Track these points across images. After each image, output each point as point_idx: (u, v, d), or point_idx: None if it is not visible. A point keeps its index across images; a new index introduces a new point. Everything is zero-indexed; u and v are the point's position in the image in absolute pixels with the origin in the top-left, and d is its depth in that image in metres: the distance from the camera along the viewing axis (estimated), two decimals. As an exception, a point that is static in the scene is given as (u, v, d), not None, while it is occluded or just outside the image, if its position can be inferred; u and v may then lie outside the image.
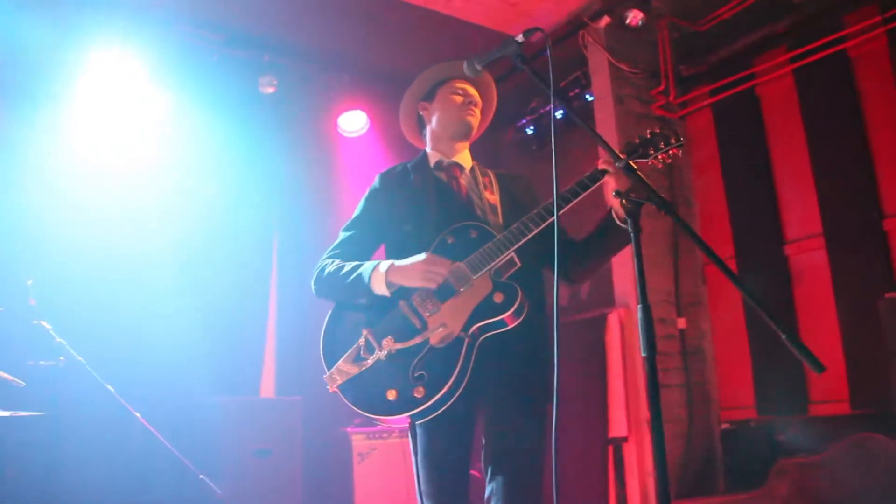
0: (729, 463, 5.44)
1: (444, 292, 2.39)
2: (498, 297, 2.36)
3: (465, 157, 2.82)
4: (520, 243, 2.40)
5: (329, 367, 2.38)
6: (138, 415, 4.04)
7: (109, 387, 4.09)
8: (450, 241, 2.50)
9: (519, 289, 2.36)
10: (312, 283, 2.60)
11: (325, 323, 2.53)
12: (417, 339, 2.34)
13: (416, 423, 2.34)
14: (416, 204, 2.65)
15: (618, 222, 2.40)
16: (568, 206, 2.40)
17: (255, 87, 6.01)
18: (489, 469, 2.45)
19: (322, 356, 2.44)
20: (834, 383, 4.98)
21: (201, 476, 4.02)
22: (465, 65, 2.46)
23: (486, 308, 2.36)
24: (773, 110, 5.53)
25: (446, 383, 2.25)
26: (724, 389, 5.70)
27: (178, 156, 5.60)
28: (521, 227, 2.41)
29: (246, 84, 6.00)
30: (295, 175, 6.32)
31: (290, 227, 6.26)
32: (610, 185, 2.38)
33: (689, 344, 5.71)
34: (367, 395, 2.32)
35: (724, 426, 5.60)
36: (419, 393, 2.26)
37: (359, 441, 5.36)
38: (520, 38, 2.33)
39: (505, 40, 2.37)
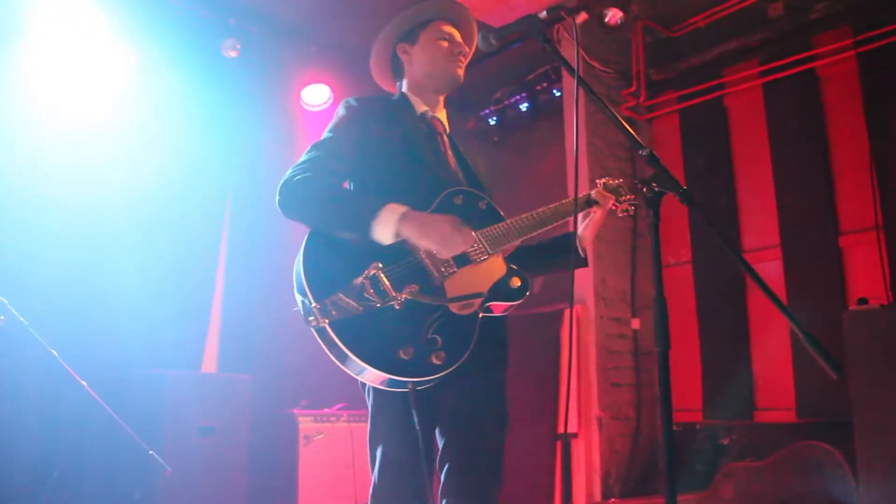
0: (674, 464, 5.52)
1: (460, 257, 2.17)
2: (515, 283, 2.24)
3: (444, 117, 2.57)
4: (537, 232, 2.34)
5: (318, 296, 1.96)
6: (84, 383, 3.78)
7: (53, 351, 3.81)
8: (457, 201, 2.28)
9: (528, 281, 2.27)
10: (279, 192, 2.15)
11: (307, 242, 2.09)
12: (439, 299, 2.08)
13: (417, 389, 2.02)
14: (409, 144, 2.35)
15: (580, 249, 2.46)
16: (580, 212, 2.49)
17: (218, 49, 5.74)
18: (450, 451, 2.24)
19: (304, 281, 1.99)
20: (781, 392, 5.12)
21: (151, 452, 3.80)
22: (479, 38, 2.36)
23: (501, 289, 2.22)
24: (740, 121, 5.63)
25: (462, 356, 2.05)
26: (674, 391, 5.77)
27: (133, 112, 5.28)
28: (541, 217, 2.36)
29: (208, 45, 5.72)
30: (253, 144, 6.06)
31: (243, 196, 6.01)
32: (595, 218, 2.51)
33: (642, 345, 5.77)
34: (372, 344, 1.96)
35: (669, 428, 5.68)
36: (438, 359, 2.00)
37: (306, 423, 5.21)
38: (542, 14, 2.22)
39: (526, 16, 2.27)
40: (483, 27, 2.43)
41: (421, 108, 2.49)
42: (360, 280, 2.01)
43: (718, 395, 5.43)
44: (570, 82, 5.97)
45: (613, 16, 5.57)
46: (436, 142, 2.44)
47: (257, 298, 5.82)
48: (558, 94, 6.28)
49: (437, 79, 2.50)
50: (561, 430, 5.43)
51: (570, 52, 5.86)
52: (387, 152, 2.31)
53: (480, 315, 2.14)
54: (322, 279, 2.00)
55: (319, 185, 2.16)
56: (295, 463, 5.06)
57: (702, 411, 5.45)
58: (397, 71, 2.59)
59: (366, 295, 2.00)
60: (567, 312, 5.57)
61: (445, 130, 2.51)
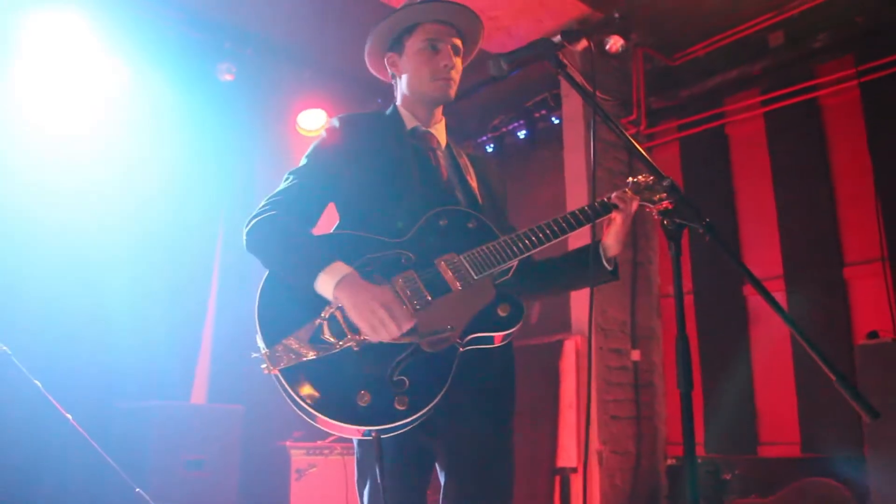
0: (673, 499, 5.40)
1: (436, 286, 1.97)
2: (503, 310, 1.99)
3: (441, 130, 2.36)
4: (532, 251, 2.08)
5: (269, 341, 1.82)
6: (69, 416, 3.62)
7: (37, 382, 3.65)
8: (442, 223, 2.09)
9: (524, 306, 2.04)
10: (245, 230, 2.04)
11: (264, 282, 1.96)
12: (402, 337, 1.86)
13: (383, 437, 1.83)
14: (394, 166, 2.17)
15: (604, 260, 2.21)
16: (574, 231, 2.14)
17: (213, 72, 5.67)
18: (451, 493, 2.07)
19: (257, 325, 1.86)
20: (785, 426, 5.01)
21: (137, 490, 3.63)
22: (490, 64, 2.13)
23: (487, 318, 1.98)
24: (742, 150, 5.59)
25: (435, 397, 1.84)
26: (672, 424, 5.67)
27: (127, 134, 5.19)
28: (534, 235, 2.08)
29: (203, 68, 5.64)
30: (247, 170, 5.95)
31: (236, 224, 5.83)
32: (616, 222, 2.19)
33: (642, 377, 5.66)
34: (326, 392, 1.79)
35: (670, 461, 5.57)
36: (402, 404, 1.79)
37: (298, 456, 5.05)
38: (557, 38, 2.10)
39: (539, 39, 2.17)
40: (488, 54, 2.29)
41: (412, 123, 2.30)
42: (317, 321, 1.87)
43: (720, 428, 5.32)
44: (569, 110, 5.93)
45: (614, 43, 5.53)
46: (426, 158, 2.25)
47: (249, 327, 5.67)
48: (557, 121, 6.23)
49: (424, 96, 2.29)
50: (560, 463, 5.29)
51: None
52: (367, 173, 2.14)
53: (462, 350, 1.93)
54: (275, 322, 1.86)
55: (279, 229, 2.02)
56: (286, 498, 4.89)
57: (703, 445, 5.33)
58: (393, 78, 2.40)
59: (322, 337, 1.85)
60: (567, 343, 5.46)
61: (440, 145, 2.32)
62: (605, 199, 2.20)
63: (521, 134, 6.59)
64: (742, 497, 4.86)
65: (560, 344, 5.49)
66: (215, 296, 5.74)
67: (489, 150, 6.88)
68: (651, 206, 2.18)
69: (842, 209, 5.02)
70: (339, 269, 1.90)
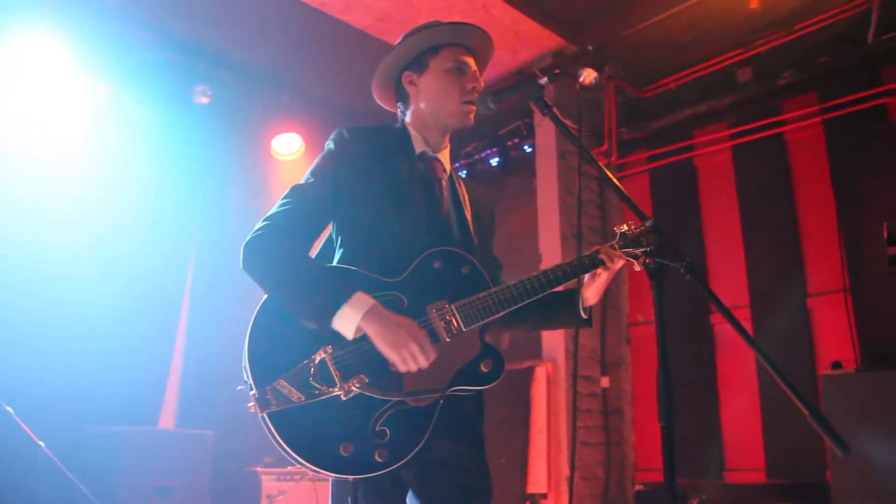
0: (641, 525, 5.47)
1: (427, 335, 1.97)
2: (486, 366, 1.99)
3: (447, 156, 2.32)
4: (520, 304, 2.08)
5: (259, 382, 1.81)
6: (42, 444, 3.58)
7: (9, 408, 3.61)
8: (436, 265, 2.07)
9: (504, 361, 2.03)
10: (243, 250, 1.96)
11: (257, 314, 1.92)
12: (389, 394, 1.88)
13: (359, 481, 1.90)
14: (399, 195, 2.13)
15: (581, 309, 2.25)
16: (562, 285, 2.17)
17: (189, 94, 5.67)
18: None
19: (247, 362, 1.84)
20: (750, 452, 5.11)
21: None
22: (478, 99, 2.23)
23: (470, 373, 1.98)
24: (710, 181, 5.73)
25: (413, 450, 1.87)
26: (640, 450, 5.74)
27: (100, 156, 5.16)
28: (523, 286, 2.09)
29: (179, 90, 5.64)
30: (220, 193, 5.96)
31: (208, 246, 5.86)
32: (600, 278, 2.22)
33: (611, 403, 5.73)
34: (311, 440, 1.80)
35: (637, 487, 5.64)
36: (381, 456, 1.82)
37: (268, 482, 5.01)
38: (543, 81, 2.16)
39: (526, 79, 2.26)
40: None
41: (421, 147, 2.25)
42: (306, 364, 1.85)
43: (687, 454, 5.39)
44: (542, 139, 6.02)
45: (588, 76, 5.64)
46: (431, 188, 2.21)
47: (219, 350, 5.63)
48: (529, 150, 6.32)
49: (443, 119, 2.24)
50: (530, 489, 5.33)
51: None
52: (372, 198, 2.10)
53: (442, 402, 1.94)
54: (266, 361, 1.84)
55: (285, 254, 1.96)
56: (257, 524, 4.86)
57: (671, 471, 5.39)
58: (402, 98, 2.32)
59: (311, 381, 1.83)
60: (538, 370, 5.51)
61: (445, 174, 2.27)
62: (594, 253, 2.20)
63: (494, 161, 6.68)
64: (709, 523, 4.93)
65: (531, 370, 5.55)
66: (185, 320, 5.70)
67: (462, 176, 6.94)
68: (634, 261, 2.19)
69: (806, 241, 5.16)
70: (364, 300, 1.88)
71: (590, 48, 5.67)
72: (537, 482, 5.32)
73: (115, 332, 5.09)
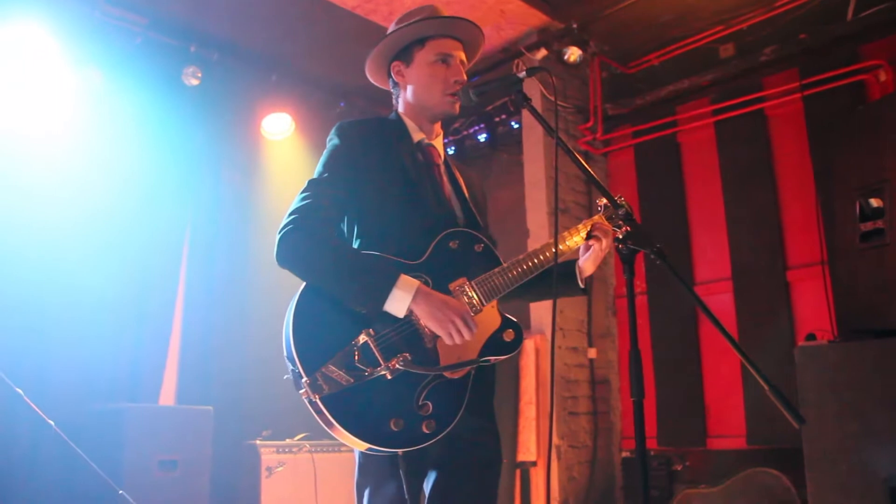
0: (627, 490, 5.67)
1: None
2: (508, 335, 2.18)
3: (440, 143, 2.46)
4: (530, 277, 2.25)
5: (308, 369, 1.90)
6: (52, 423, 3.71)
7: (19, 390, 3.74)
8: (452, 245, 2.21)
9: (522, 329, 2.23)
10: (278, 244, 2.06)
11: (297, 303, 2.01)
12: (431, 368, 2.03)
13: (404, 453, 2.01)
14: (407, 183, 2.25)
15: (578, 281, 2.38)
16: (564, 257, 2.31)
17: (179, 76, 5.71)
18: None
19: (293, 349, 1.93)
20: (732, 420, 5.29)
21: (121, 492, 3.74)
22: (460, 93, 2.32)
23: (496, 343, 2.16)
24: (693, 157, 5.83)
25: (454, 419, 2.03)
26: (627, 419, 5.93)
27: (92, 137, 5.21)
28: (531, 262, 2.25)
29: (169, 72, 5.69)
30: (213, 172, 6.04)
31: (203, 225, 5.95)
32: (594, 249, 2.35)
33: (598, 374, 5.90)
34: (364, 419, 1.92)
35: (624, 454, 5.84)
36: (429, 427, 1.97)
37: (267, 455, 5.18)
38: (522, 74, 2.26)
39: (506, 75, 2.35)
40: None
41: (417, 135, 2.37)
42: (350, 348, 1.97)
43: (672, 422, 5.59)
44: (529, 117, 6.09)
45: (572, 54, 5.72)
46: (433, 174, 2.34)
47: (217, 328, 5.78)
48: (517, 126, 6.41)
49: (430, 110, 2.37)
50: (520, 458, 5.52)
51: (530, 87, 6.02)
52: (384, 188, 2.22)
53: (473, 373, 2.11)
54: (312, 348, 1.94)
55: (323, 243, 2.07)
56: (258, 495, 5.02)
57: (656, 438, 5.60)
58: (393, 86, 2.46)
59: (356, 364, 1.95)
60: (527, 342, 5.66)
61: (441, 159, 2.41)
62: (590, 231, 2.36)
63: (482, 137, 6.76)
64: (692, 487, 5.13)
65: (520, 343, 5.69)
66: (182, 298, 5.81)
67: (450, 152, 7.04)
68: (617, 231, 2.28)
69: (786, 214, 5.29)
70: (410, 281, 2.03)
71: (574, 25, 5.73)
72: (527, 451, 5.51)
73: (114, 313, 5.24)
